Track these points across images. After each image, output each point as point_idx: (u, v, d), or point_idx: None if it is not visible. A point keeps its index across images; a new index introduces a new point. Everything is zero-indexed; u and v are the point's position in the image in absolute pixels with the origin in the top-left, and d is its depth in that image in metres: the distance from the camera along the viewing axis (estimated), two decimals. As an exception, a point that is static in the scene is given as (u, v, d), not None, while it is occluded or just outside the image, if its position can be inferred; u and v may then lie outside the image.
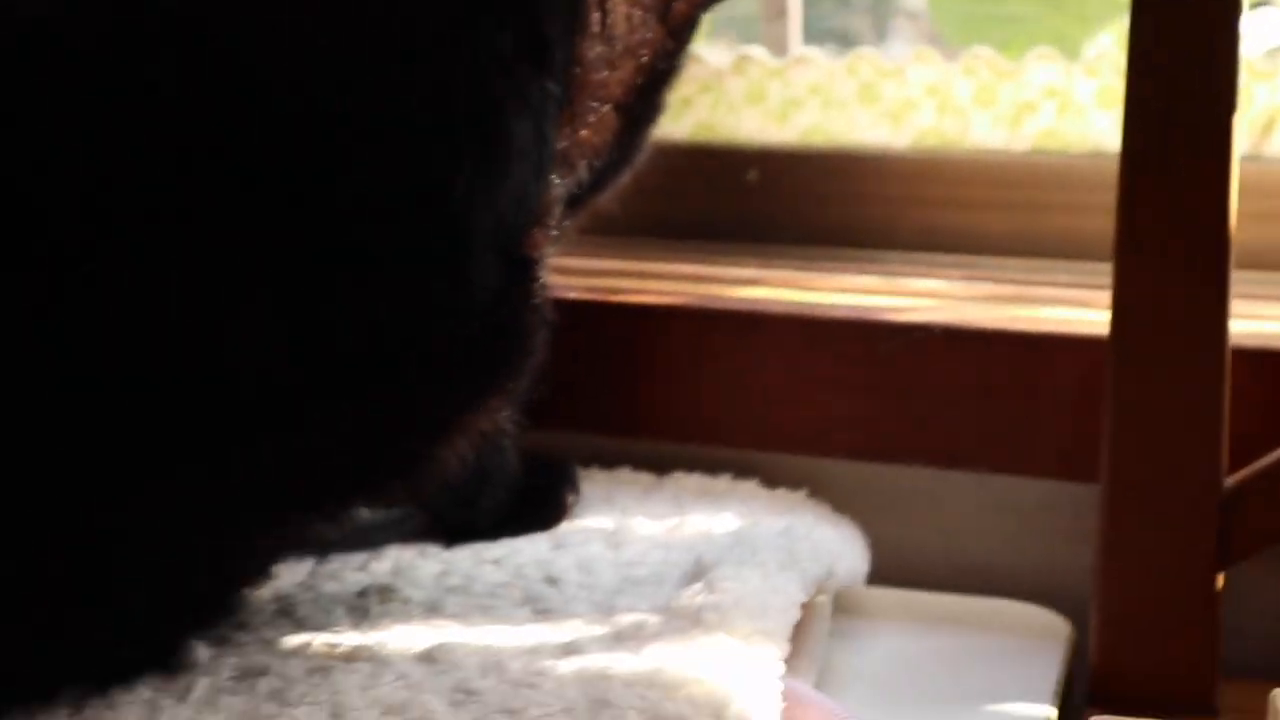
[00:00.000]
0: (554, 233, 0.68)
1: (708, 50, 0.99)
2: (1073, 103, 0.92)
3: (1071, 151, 0.91)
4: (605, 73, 0.72)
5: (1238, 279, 0.74)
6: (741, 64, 0.97)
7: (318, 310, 0.55)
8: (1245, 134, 0.89)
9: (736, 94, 0.98)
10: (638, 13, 0.74)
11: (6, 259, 0.50)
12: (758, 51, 0.98)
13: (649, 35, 0.76)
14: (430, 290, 0.59)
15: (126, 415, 0.52)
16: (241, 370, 0.54)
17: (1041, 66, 0.92)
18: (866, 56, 0.95)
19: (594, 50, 0.70)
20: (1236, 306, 0.72)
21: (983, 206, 0.93)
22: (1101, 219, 0.85)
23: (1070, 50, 0.97)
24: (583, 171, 0.73)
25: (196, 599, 0.58)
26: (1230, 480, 0.65)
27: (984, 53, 0.93)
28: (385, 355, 0.58)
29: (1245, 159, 0.87)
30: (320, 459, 0.59)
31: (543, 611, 0.63)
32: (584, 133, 0.71)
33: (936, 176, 0.94)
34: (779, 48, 1.02)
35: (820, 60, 0.96)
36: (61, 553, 0.52)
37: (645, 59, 0.76)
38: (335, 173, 0.55)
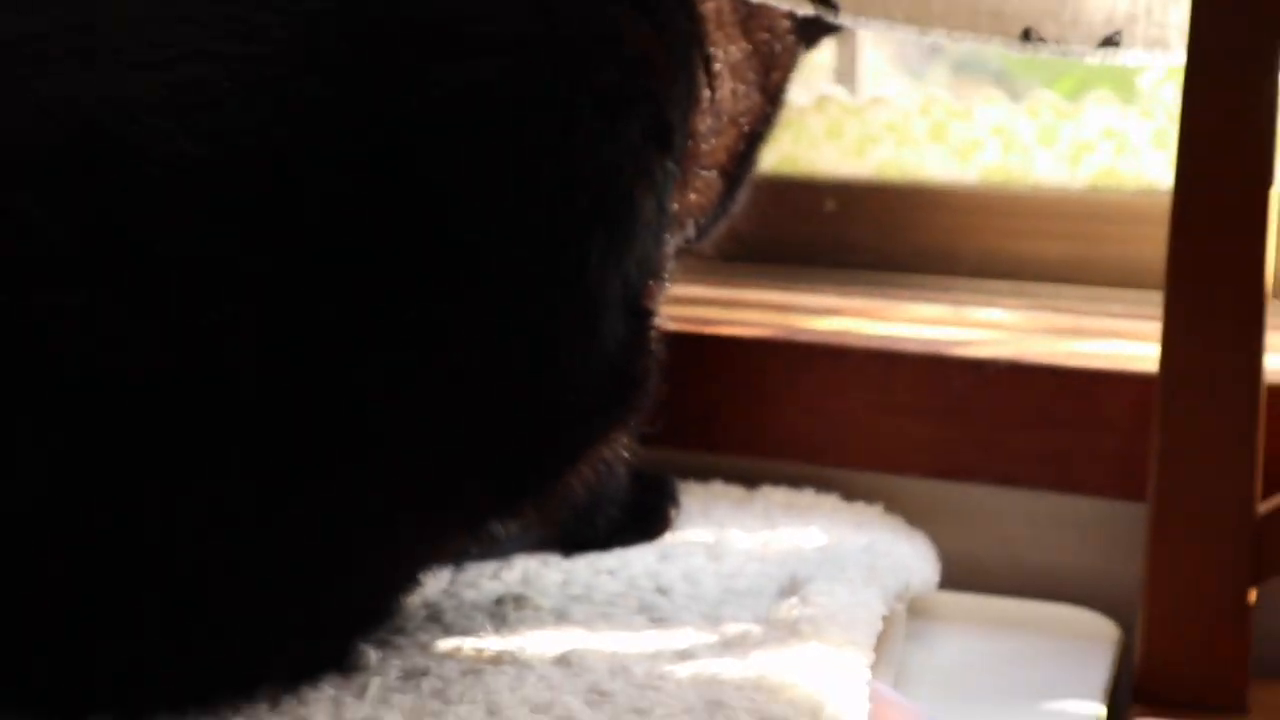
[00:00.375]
0: (665, 283, 0.77)
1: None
2: (1129, 144, 1.00)
3: (1127, 188, 1.00)
4: (712, 141, 0.81)
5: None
6: (822, 103, 1.06)
7: (480, 362, 0.65)
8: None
9: (817, 131, 1.07)
10: (741, 86, 0.84)
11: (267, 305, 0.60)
12: (837, 91, 1.07)
13: (750, 104, 0.85)
14: (570, 344, 0.68)
15: (324, 455, 0.61)
16: (419, 409, 0.64)
17: (1100, 109, 1.01)
18: (938, 99, 1.04)
19: (704, 124, 0.79)
20: None
21: (1043, 237, 1.02)
22: (1151, 250, 0.94)
23: (1123, 77, 1.05)
24: (690, 229, 0.82)
25: (365, 607, 0.68)
26: (1264, 507, 0.74)
27: (1047, 96, 1.02)
28: (531, 399, 0.67)
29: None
30: (472, 484, 0.68)
31: (657, 620, 0.72)
32: (693, 196, 0.80)
33: (1001, 210, 1.03)
34: (847, 69, 1.11)
35: (895, 101, 1.05)
36: (263, 571, 0.62)
37: (746, 126, 0.85)
38: (500, 248, 0.64)
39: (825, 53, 1.10)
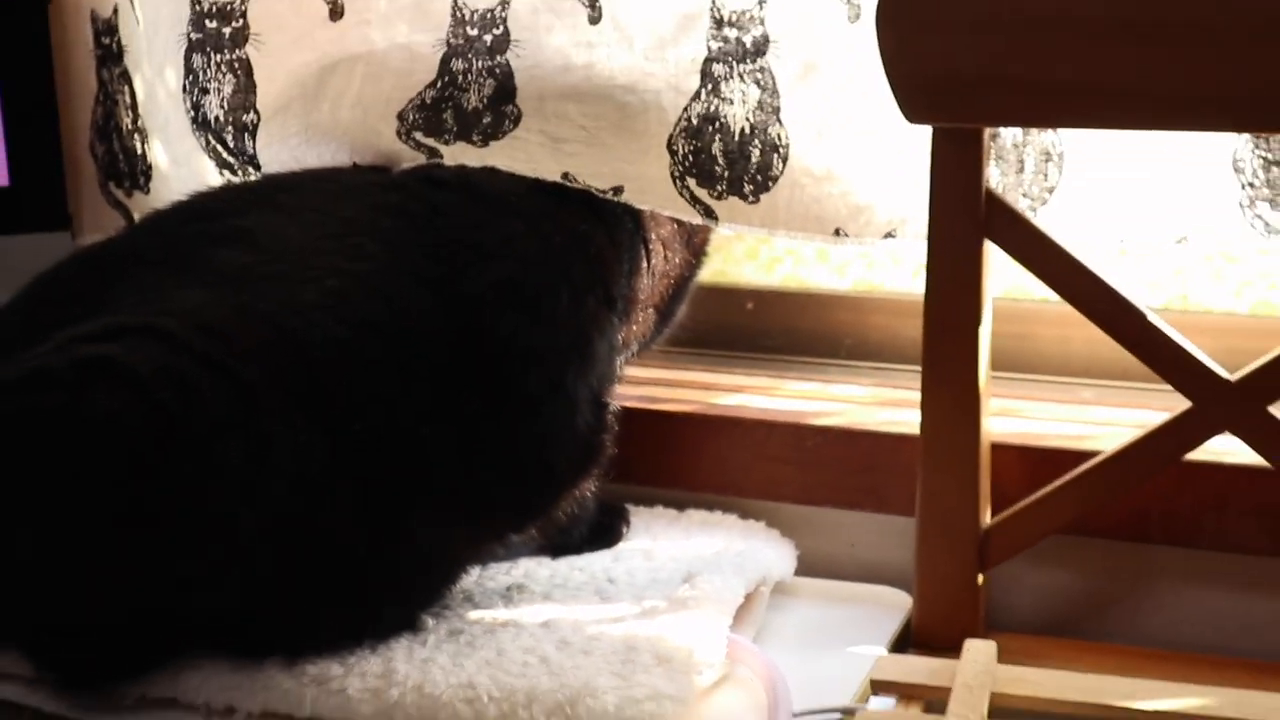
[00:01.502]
0: (619, 380, 1.20)
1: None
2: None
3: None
4: (647, 292, 1.21)
5: (1034, 381, 1.26)
6: (741, 235, 1.50)
7: (509, 441, 1.08)
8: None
9: (739, 253, 1.50)
10: (670, 252, 1.23)
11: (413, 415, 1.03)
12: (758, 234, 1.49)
13: (677, 259, 1.24)
14: (558, 429, 1.11)
15: (417, 522, 1.05)
16: (475, 470, 1.06)
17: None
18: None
19: (642, 284, 1.19)
20: (1017, 406, 1.23)
21: (894, 330, 1.44)
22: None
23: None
24: (634, 348, 1.23)
25: (429, 597, 1.10)
26: (986, 522, 1.16)
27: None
28: (536, 468, 1.11)
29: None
30: (501, 514, 1.12)
31: (606, 599, 1.13)
32: (635, 328, 1.21)
33: (867, 309, 1.46)
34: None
35: (794, 233, 1.48)
36: (382, 570, 1.04)
37: (674, 277, 1.24)
38: (519, 371, 1.08)
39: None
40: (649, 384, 1.39)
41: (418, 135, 1.20)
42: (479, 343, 1.07)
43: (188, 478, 0.96)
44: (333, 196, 1.13)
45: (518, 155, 1.17)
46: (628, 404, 1.24)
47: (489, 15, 1.18)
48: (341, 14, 1.21)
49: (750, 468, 1.30)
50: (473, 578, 1.18)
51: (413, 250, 1.08)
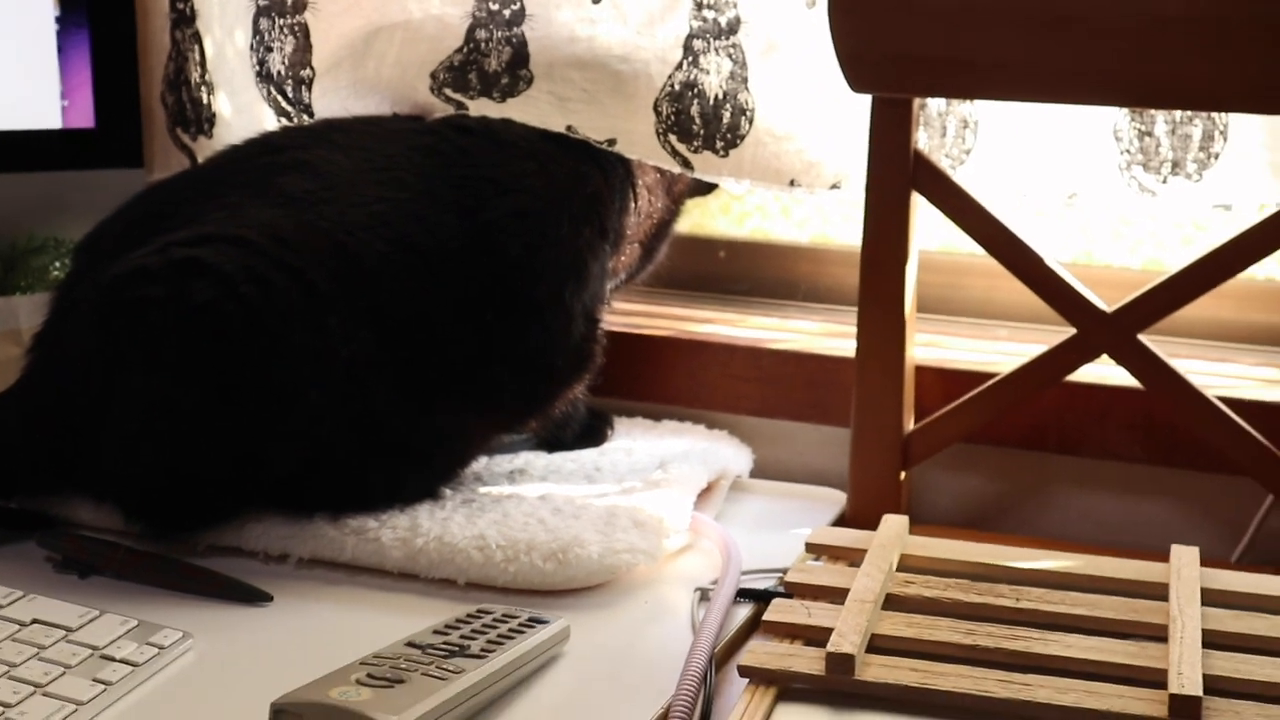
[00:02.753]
0: (608, 304, 1.44)
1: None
2: (894, 221, 1.66)
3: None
4: (634, 229, 1.44)
5: (960, 322, 1.49)
6: (717, 192, 1.72)
7: (516, 343, 1.30)
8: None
9: (714, 208, 1.73)
10: (654, 196, 1.45)
11: (430, 330, 1.25)
12: (728, 183, 1.73)
13: (659, 204, 1.46)
14: (557, 336, 1.33)
15: (441, 405, 1.28)
16: (488, 368, 1.28)
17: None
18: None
19: (630, 221, 1.42)
20: (942, 340, 1.46)
21: (845, 277, 1.68)
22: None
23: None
24: (622, 276, 1.46)
25: (449, 472, 1.34)
26: (908, 429, 1.39)
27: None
28: (537, 367, 1.33)
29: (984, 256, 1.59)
30: (507, 408, 1.34)
31: (593, 482, 1.36)
32: (623, 259, 1.43)
33: (822, 260, 1.68)
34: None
35: (762, 191, 1.71)
36: (414, 450, 1.27)
37: (657, 219, 1.47)
38: (527, 286, 1.30)
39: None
40: (633, 315, 1.62)
41: (447, 91, 1.42)
42: (494, 260, 1.29)
43: (264, 356, 1.19)
44: (377, 138, 1.35)
45: (530, 110, 1.39)
46: (613, 329, 1.47)
47: (507, -6, 1.41)
48: (384, -12, 1.44)
49: (716, 385, 1.53)
50: (481, 464, 1.41)
51: (442, 184, 1.30)
